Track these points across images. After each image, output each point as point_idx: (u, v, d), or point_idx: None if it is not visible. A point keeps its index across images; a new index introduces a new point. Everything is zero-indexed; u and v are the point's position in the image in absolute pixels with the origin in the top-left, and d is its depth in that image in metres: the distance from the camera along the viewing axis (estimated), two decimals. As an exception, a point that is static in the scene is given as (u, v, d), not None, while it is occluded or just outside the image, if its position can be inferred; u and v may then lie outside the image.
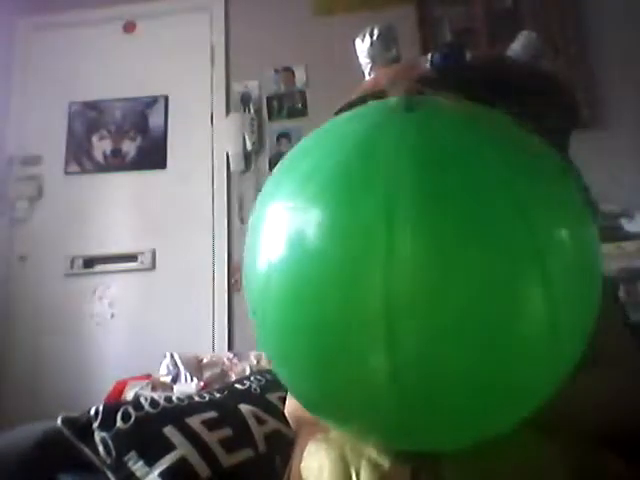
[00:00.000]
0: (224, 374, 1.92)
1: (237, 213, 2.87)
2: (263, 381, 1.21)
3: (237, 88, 3.02)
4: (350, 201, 0.47)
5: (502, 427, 0.54)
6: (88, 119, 3.11)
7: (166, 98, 3.07)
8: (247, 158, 2.91)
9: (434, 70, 0.79)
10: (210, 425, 0.93)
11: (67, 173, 3.06)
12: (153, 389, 1.80)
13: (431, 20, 2.84)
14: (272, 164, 2.87)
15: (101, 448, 0.89)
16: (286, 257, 0.49)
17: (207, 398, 1.06)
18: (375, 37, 0.90)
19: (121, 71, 3.13)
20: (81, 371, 2.78)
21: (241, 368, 1.92)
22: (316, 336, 0.48)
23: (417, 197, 0.45)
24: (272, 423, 1.01)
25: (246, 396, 1.11)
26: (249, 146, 2.89)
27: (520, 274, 0.45)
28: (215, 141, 2.99)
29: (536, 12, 2.75)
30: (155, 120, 3.06)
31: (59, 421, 0.94)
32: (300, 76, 2.98)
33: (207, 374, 1.92)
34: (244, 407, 1.02)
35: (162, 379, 1.90)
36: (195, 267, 2.87)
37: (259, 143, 2.92)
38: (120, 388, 1.84)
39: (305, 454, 0.69)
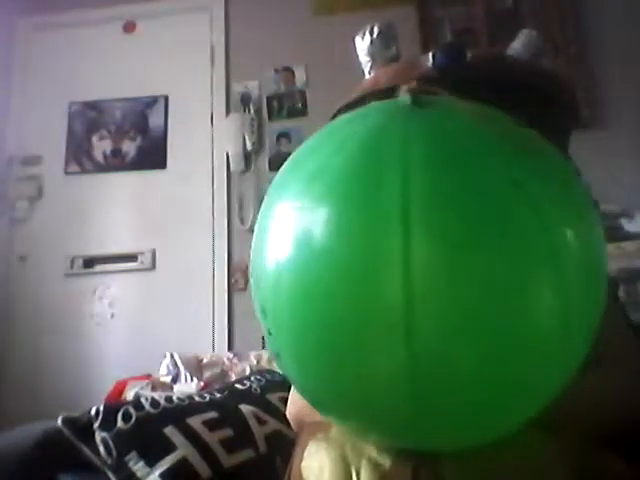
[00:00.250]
0: (224, 374, 1.92)
1: (237, 213, 2.87)
2: (263, 381, 1.21)
3: (237, 88, 3.02)
4: (363, 200, 0.47)
5: (510, 425, 0.54)
6: (88, 119, 3.11)
7: (166, 98, 3.07)
8: (247, 158, 2.91)
9: (435, 69, 0.79)
10: (211, 425, 0.93)
11: (67, 173, 3.06)
12: (153, 389, 1.80)
13: (432, 20, 2.84)
14: (272, 164, 2.87)
15: (102, 448, 0.89)
16: (297, 256, 0.49)
17: (208, 398, 1.06)
18: (375, 35, 0.89)
19: (121, 71, 3.13)
20: (81, 371, 2.78)
21: (241, 368, 1.92)
22: (330, 333, 0.48)
23: (431, 195, 0.46)
24: (272, 423, 1.01)
25: (246, 396, 1.11)
26: (249, 146, 2.89)
27: (535, 271, 0.46)
28: (215, 141, 2.99)
29: (536, 12, 2.75)
30: (155, 120, 3.06)
31: (59, 421, 0.94)
32: (300, 76, 2.98)
33: (207, 374, 1.92)
34: (245, 407, 1.02)
35: (162, 379, 1.90)
36: (195, 267, 2.87)
37: (259, 143, 2.92)
38: (120, 388, 1.84)
39: (305, 454, 0.69)
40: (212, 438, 0.90)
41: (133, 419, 0.91)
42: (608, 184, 2.18)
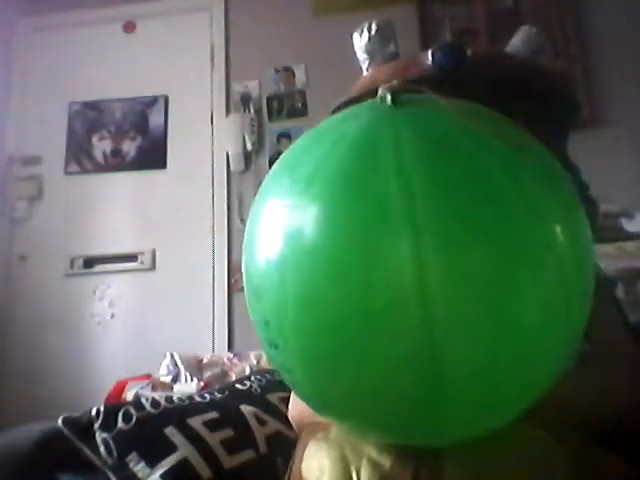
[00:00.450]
0: (224, 374, 1.92)
1: (237, 213, 2.87)
2: (263, 381, 1.21)
3: (237, 88, 3.02)
4: (364, 202, 0.47)
5: (509, 415, 0.54)
6: (88, 119, 3.11)
7: (166, 98, 3.07)
8: (247, 158, 2.91)
9: (435, 67, 0.78)
10: (211, 426, 0.93)
11: (67, 173, 3.06)
12: (153, 389, 1.80)
13: (432, 20, 2.84)
14: (272, 164, 2.83)
15: (102, 449, 0.89)
16: (301, 255, 0.49)
17: (208, 398, 1.06)
18: (373, 32, 0.89)
19: (121, 71, 3.13)
20: (81, 371, 2.78)
21: (241, 368, 1.92)
22: (345, 334, 0.48)
23: (433, 194, 0.46)
24: (273, 424, 1.00)
25: (247, 396, 1.11)
26: (249, 146, 2.89)
27: (533, 266, 0.47)
28: (215, 141, 2.99)
29: (536, 11, 2.75)
30: (155, 120, 3.06)
31: (60, 421, 0.94)
32: (300, 76, 2.98)
33: (207, 374, 1.92)
34: (245, 408, 1.02)
35: (162, 379, 1.90)
36: (195, 267, 2.87)
37: (259, 143, 2.92)
38: (120, 388, 1.84)
39: (305, 454, 0.69)
40: (213, 438, 0.90)
41: (134, 419, 0.91)
42: (608, 184, 2.18)
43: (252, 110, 2.96)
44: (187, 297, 2.84)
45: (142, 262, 2.90)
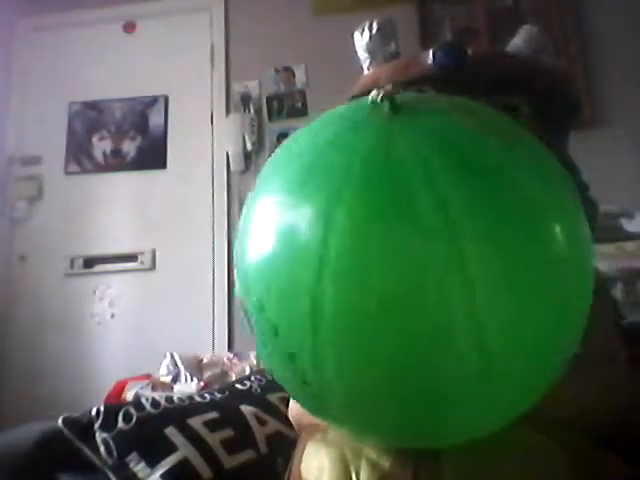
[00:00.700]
0: (224, 374, 1.92)
1: (237, 213, 2.87)
2: (263, 381, 1.20)
3: (237, 88, 3.02)
4: (400, 218, 0.46)
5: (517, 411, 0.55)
6: (88, 119, 3.11)
7: (166, 98, 3.07)
8: (247, 158, 2.91)
9: (436, 67, 0.78)
10: (212, 426, 0.93)
11: (67, 173, 3.06)
12: (153, 389, 1.80)
13: (432, 20, 2.84)
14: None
15: (102, 449, 0.89)
16: (343, 265, 0.47)
17: (208, 398, 1.06)
18: (374, 31, 0.89)
19: (121, 71, 3.13)
20: (81, 371, 2.78)
21: (241, 368, 1.92)
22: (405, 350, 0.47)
23: (469, 205, 0.46)
24: (273, 424, 1.00)
25: (247, 396, 1.11)
26: (249, 146, 2.89)
27: (558, 267, 0.48)
28: (215, 141, 2.99)
29: (536, 11, 2.75)
30: (155, 120, 3.06)
31: (60, 421, 0.94)
32: (300, 76, 2.98)
33: (207, 374, 1.92)
34: (245, 408, 1.02)
35: (162, 379, 1.90)
36: (195, 267, 2.87)
37: (259, 143, 2.92)
38: (120, 388, 1.84)
39: (304, 454, 0.69)
40: (213, 439, 0.90)
41: (134, 419, 0.91)
42: (608, 184, 2.18)
43: (252, 110, 2.96)
44: (187, 297, 2.84)
45: (142, 262, 2.90)
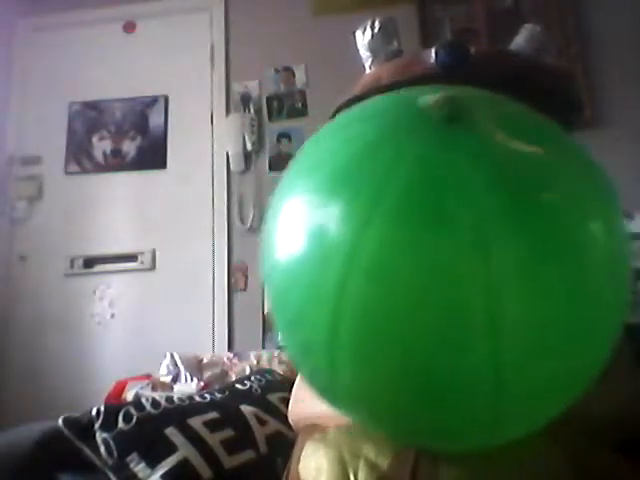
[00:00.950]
0: (224, 374, 1.92)
1: (237, 213, 2.87)
2: (264, 381, 1.20)
3: (237, 88, 3.02)
4: (436, 226, 0.46)
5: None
6: (88, 119, 3.11)
7: (166, 98, 3.07)
8: (247, 158, 2.90)
9: (439, 66, 0.78)
10: (212, 426, 0.93)
11: (67, 173, 3.06)
12: (153, 389, 1.80)
13: (432, 20, 2.84)
14: (272, 164, 2.87)
15: (103, 449, 0.89)
16: (370, 267, 0.47)
17: (208, 398, 1.06)
18: (376, 30, 0.89)
19: (121, 71, 3.12)
20: (81, 371, 2.78)
21: (241, 368, 1.92)
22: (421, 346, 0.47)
23: (507, 224, 0.46)
24: (273, 424, 1.00)
25: (247, 396, 1.11)
26: (249, 146, 2.88)
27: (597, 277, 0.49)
28: (215, 141, 2.99)
29: (537, 11, 2.75)
30: (155, 120, 3.06)
31: (60, 421, 0.94)
32: (300, 76, 2.98)
33: (207, 374, 1.92)
34: (245, 408, 1.02)
35: (162, 379, 1.90)
36: (195, 267, 2.87)
37: (259, 143, 2.92)
38: (120, 388, 1.84)
39: (303, 455, 0.69)
40: (213, 439, 0.90)
41: (134, 420, 0.91)
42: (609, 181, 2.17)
43: (252, 110, 2.96)
44: (187, 297, 2.84)
45: (142, 262, 2.89)
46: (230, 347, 2.70)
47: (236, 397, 1.09)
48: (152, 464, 0.85)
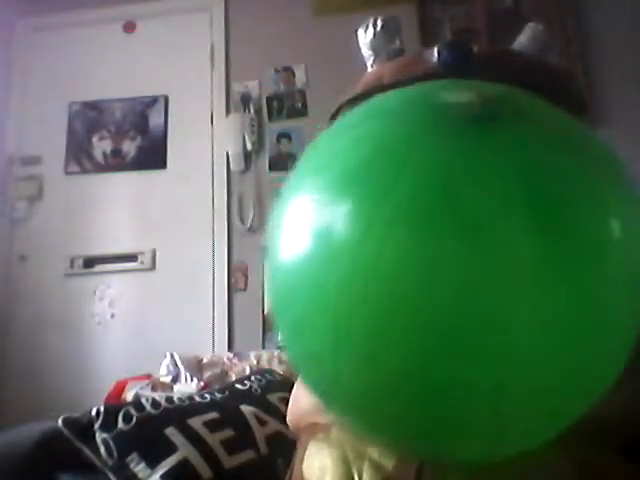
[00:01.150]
0: (224, 374, 1.92)
1: (237, 213, 2.87)
2: (264, 381, 1.20)
3: (237, 88, 3.02)
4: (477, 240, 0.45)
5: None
6: (88, 119, 3.11)
7: (166, 98, 3.07)
8: (247, 158, 2.90)
9: (441, 65, 0.77)
10: (212, 426, 0.93)
11: (67, 173, 3.06)
12: (153, 389, 1.80)
13: (432, 20, 2.84)
14: (272, 164, 2.87)
15: (102, 449, 0.88)
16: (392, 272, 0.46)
17: (208, 399, 1.06)
18: (378, 28, 0.88)
19: (121, 71, 3.12)
20: (81, 371, 2.78)
21: (241, 368, 1.92)
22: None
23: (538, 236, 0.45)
24: (273, 424, 1.00)
25: (247, 397, 1.11)
26: (249, 146, 2.88)
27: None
28: (215, 141, 2.99)
29: (537, 12, 2.75)
30: (155, 120, 3.06)
31: (60, 422, 0.94)
32: (300, 76, 2.98)
33: (207, 374, 1.92)
34: (245, 408, 1.02)
35: (162, 379, 1.90)
36: (195, 267, 2.87)
37: (259, 143, 2.92)
38: (120, 388, 1.84)
39: (306, 454, 0.68)
40: (213, 439, 0.90)
41: (134, 420, 0.91)
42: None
43: (252, 110, 2.96)
44: (187, 297, 2.84)
45: (142, 262, 2.89)
46: (230, 347, 2.70)
47: (236, 397, 1.09)
48: (152, 464, 0.85)
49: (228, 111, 2.99)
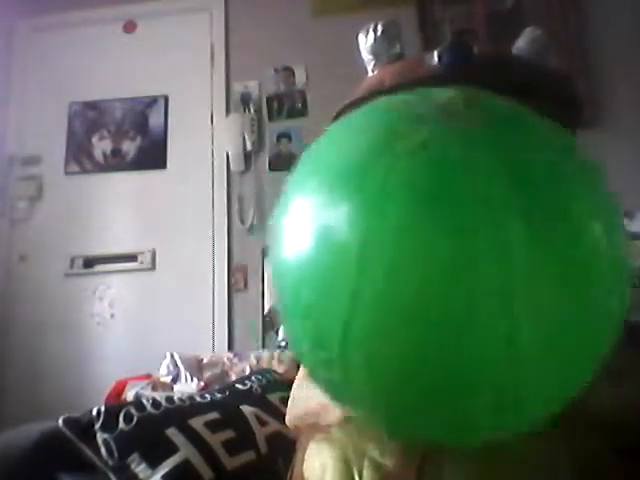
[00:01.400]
0: (224, 374, 1.92)
1: (237, 213, 2.87)
2: (264, 381, 1.20)
3: (237, 88, 3.02)
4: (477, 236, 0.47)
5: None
6: (88, 119, 3.11)
7: (166, 98, 3.07)
8: (247, 158, 2.90)
9: (442, 68, 0.78)
10: (213, 427, 0.92)
11: (67, 173, 3.06)
12: (153, 389, 1.80)
13: (432, 21, 2.84)
14: (272, 164, 2.87)
15: (103, 449, 0.88)
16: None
17: (209, 399, 1.06)
18: (379, 33, 0.89)
19: (121, 71, 3.12)
20: (81, 371, 2.78)
21: (241, 368, 1.92)
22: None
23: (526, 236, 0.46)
24: (273, 424, 1.00)
25: (247, 397, 1.11)
26: (249, 146, 2.88)
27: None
28: (215, 141, 2.99)
29: (537, 12, 2.75)
30: (155, 120, 3.06)
31: (60, 422, 0.93)
32: (300, 76, 2.98)
33: (207, 374, 1.93)
34: (246, 408, 1.02)
35: (162, 379, 1.90)
36: (195, 267, 2.87)
37: (259, 143, 2.92)
38: (120, 388, 1.84)
39: (307, 454, 0.69)
40: (214, 439, 0.90)
41: (135, 420, 0.91)
42: (608, 184, 2.17)
43: (252, 110, 2.96)
44: (187, 297, 2.84)
45: (142, 262, 2.89)
46: (230, 347, 2.70)
47: (236, 397, 1.09)
48: (153, 465, 0.85)
49: (228, 111, 2.99)
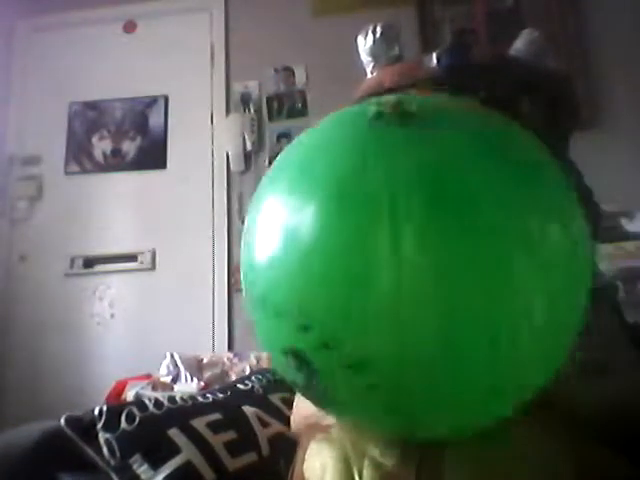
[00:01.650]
0: (224, 374, 1.93)
1: (237, 213, 2.87)
2: (264, 381, 1.20)
3: (237, 88, 3.02)
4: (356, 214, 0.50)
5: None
6: (88, 119, 3.11)
7: (166, 98, 3.07)
8: (247, 158, 2.91)
9: (441, 69, 0.78)
10: (215, 427, 0.92)
11: (67, 173, 3.06)
12: (153, 389, 1.80)
13: (432, 21, 2.84)
14: (272, 164, 2.87)
15: (105, 449, 0.88)
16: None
17: (210, 399, 1.06)
18: (378, 35, 0.89)
19: (121, 71, 3.13)
20: (81, 371, 2.78)
21: (241, 368, 1.92)
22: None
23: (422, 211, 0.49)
24: (275, 425, 1.00)
25: (249, 397, 1.10)
26: (249, 146, 2.89)
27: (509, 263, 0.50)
28: (215, 141, 2.99)
29: (537, 12, 2.75)
30: (155, 120, 3.06)
31: (62, 421, 0.93)
32: (300, 76, 2.98)
33: (207, 374, 1.93)
34: (247, 409, 1.01)
35: (162, 379, 1.90)
36: (195, 267, 2.87)
37: (259, 143, 2.92)
38: (120, 388, 1.84)
39: (307, 454, 0.69)
40: (216, 441, 0.89)
41: (137, 420, 0.91)
42: (608, 184, 2.17)
43: (252, 110, 2.96)
44: (187, 297, 2.84)
45: (142, 262, 2.90)
46: (230, 347, 2.70)
47: (238, 397, 1.09)
48: (155, 466, 0.84)
49: (228, 111, 3.00)
